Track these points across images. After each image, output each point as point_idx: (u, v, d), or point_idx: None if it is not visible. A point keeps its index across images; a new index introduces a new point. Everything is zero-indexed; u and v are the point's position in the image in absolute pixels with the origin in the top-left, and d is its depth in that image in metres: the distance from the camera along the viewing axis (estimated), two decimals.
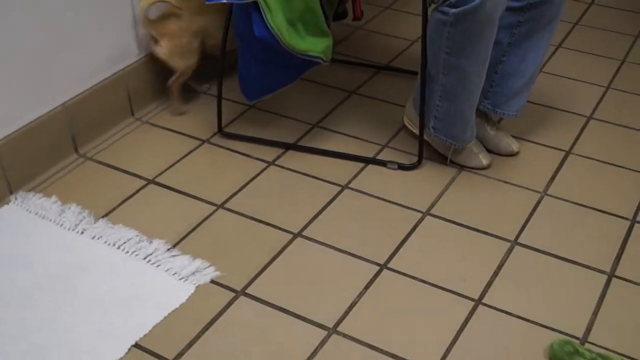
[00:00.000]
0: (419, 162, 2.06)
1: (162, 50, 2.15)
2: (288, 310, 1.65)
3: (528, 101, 2.15)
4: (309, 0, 1.90)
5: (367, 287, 1.71)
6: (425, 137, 2.04)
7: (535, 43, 1.97)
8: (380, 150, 2.13)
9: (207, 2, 1.92)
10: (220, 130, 2.18)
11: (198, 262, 1.76)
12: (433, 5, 1.82)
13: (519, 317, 1.64)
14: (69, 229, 1.86)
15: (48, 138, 2.02)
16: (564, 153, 2.13)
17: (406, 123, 2.16)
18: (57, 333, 1.58)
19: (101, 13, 2.07)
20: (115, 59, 2.16)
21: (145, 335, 1.58)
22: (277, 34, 1.86)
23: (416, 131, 2.09)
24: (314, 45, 1.95)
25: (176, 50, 2.15)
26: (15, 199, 1.94)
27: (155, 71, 2.25)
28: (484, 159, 2.05)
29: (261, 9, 1.84)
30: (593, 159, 2.11)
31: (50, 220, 1.88)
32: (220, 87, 2.13)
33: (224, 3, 1.91)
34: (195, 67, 2.20)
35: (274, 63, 2.02)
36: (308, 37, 1.94)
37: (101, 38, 2.09)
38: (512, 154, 2.11)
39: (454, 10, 1.74)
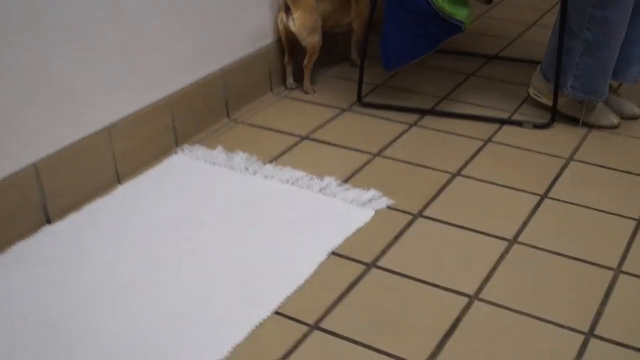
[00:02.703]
0: (552, 120, 2.20)
1: (295, 22, 2.31)
2: (467, 227, 1.76)
3: None
4: None
5: (533, 212, 1.82)
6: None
7: None
8: (511, 115, 2.28)
9: None
10: (360, 100, 2.33)
11: (372, 192, 1.88)
12: None
13: None
14: (240, 171, 1.98)
15: (206, 99, 2.16)
16: None
17: (532, 94, 2.31)
18: (253, 246, 1.69)
19: None
20: (258, 37, 2.33)
21: (340, 245, 1.69)
22: None
23: (544, 100, 2.24)
24: (458, 11, 2.13)
25: (306, 24, 2.32)
26: (182, 150, 2.07)
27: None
28: (614, 118, 2.20)
29: None
30: None
31: (220, 164, 2.01)
32: (363, 59, 2.31)
33: None
34: (319, 45, 2.37)
35: (416, 31, 2.19)
36: (453, 4, 2.12)
37: (248, 17, 2.27)
38: (635, 117, 2.26)
39: None
